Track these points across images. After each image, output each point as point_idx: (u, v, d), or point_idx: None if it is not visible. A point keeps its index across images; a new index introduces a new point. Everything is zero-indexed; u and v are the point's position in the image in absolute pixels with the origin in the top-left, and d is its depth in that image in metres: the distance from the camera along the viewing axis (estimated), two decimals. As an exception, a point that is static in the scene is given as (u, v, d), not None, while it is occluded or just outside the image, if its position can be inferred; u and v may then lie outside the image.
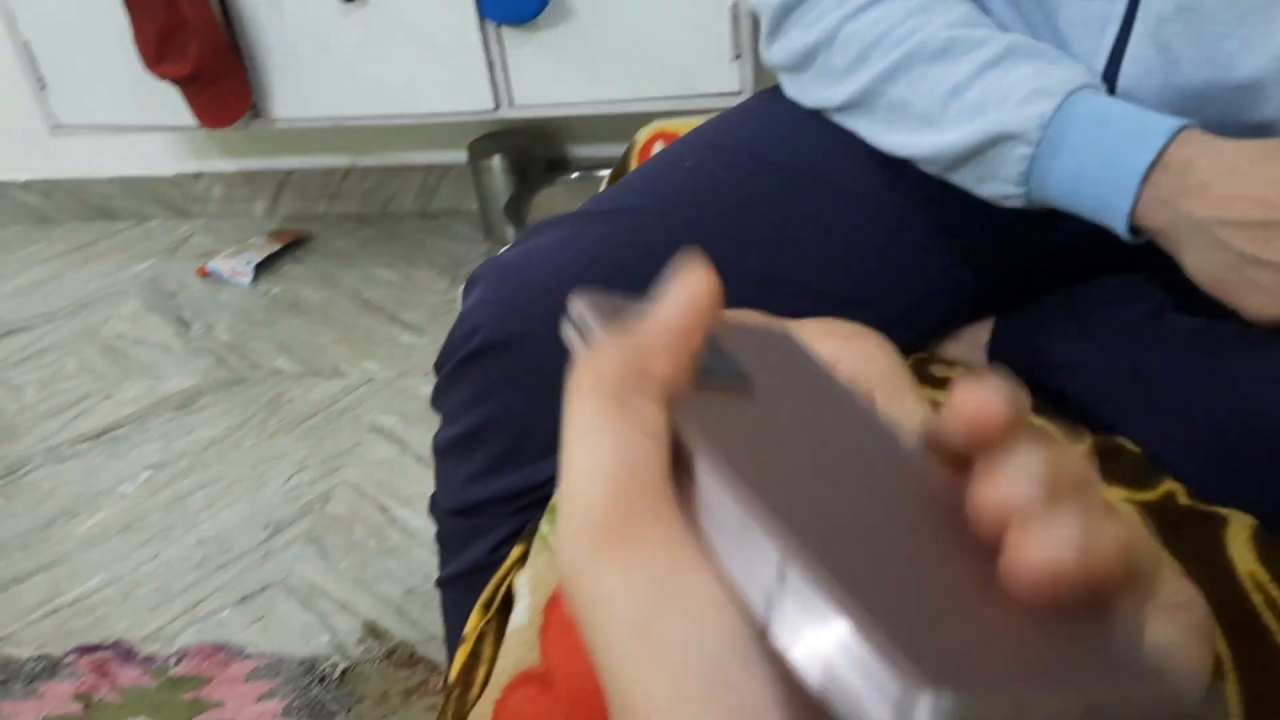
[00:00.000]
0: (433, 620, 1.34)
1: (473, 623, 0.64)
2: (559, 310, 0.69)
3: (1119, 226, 0.63)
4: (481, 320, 0.69)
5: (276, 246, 2.14)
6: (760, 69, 1.69)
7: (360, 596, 1.40)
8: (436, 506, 0.78)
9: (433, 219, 2.23)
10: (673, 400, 0.27)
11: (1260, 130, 0.65)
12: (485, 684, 0.58)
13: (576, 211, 0.76)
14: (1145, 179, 0.61)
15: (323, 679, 1.28)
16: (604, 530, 0.24)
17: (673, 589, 0.23)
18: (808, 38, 0.72)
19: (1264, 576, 0.58)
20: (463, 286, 0.74)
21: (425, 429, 1.65)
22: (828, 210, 0.75)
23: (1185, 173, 0.60)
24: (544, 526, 0.64)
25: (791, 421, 0.29)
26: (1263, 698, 0.52)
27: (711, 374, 0.29)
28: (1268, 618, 0.55)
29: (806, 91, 0.75)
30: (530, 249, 0.72)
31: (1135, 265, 0.72)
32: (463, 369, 0.71)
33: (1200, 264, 0.62)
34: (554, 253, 0.71)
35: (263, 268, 2.10)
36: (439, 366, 0.74)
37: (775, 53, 0.76)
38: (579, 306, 0.32)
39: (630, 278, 0.70)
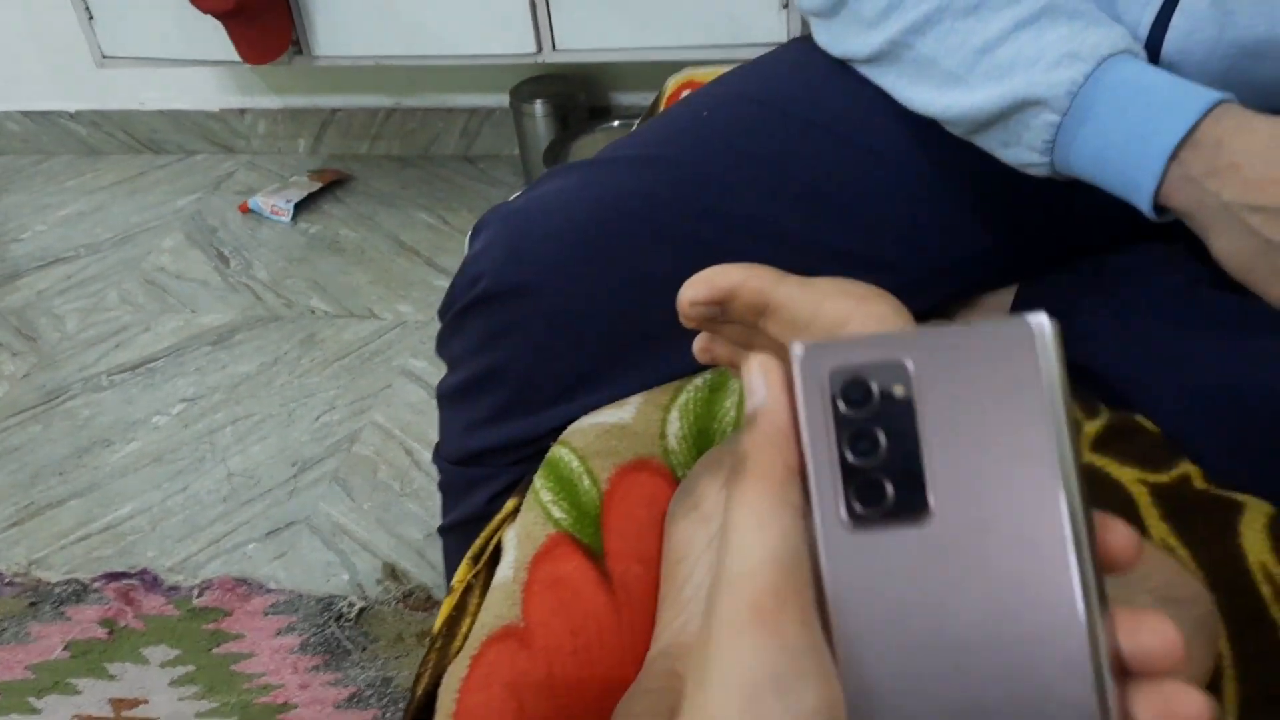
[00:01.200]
0: (451, 564, 1.35)
1: (460, 574, 0.63)
2: (563, 256, 0.68)
3: (1144, 205, 0.60)
4: (486, 267, 0.68)
5: (317, 185, 2.14)
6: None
7: (381, 538, 1.41)
8: (439, 454, 0.78)
9: (473, 163, 2.22)
10: (830, 535, 0.28)
11: None
12: (467, 637, 0.58)
13: (590, 159, 0.74)
14: (1173, 156, 0.57)
15: (340, 618, 1.29)
16: (758, 609, 0.27)
17: (787, 680, 0.27)
18: None
19: (1276, 567, 0.55)
20: (469, 233, 0.73)
21: (454, 374, 1.65)
22: (850, 167, 0.72)
23: (1216, 152, 0.57)
24: (537, 481, 0.63)
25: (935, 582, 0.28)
26: (1261, 693, 0.50)
27: (867, 496, 0.28)
28: (1275, 611, 0.53)
29: (836, 39, 0.72)
30: (539, 196, 0.70)
31: (1170, 236, 0.68)
32: (466, 316, 0.70)
33: (1227, 249, 0.59)
34: (563, 200, 0.69)
35: (303, 206, 2.10)
36: (443, 313, 0.73)
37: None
38: (804, 354, 0.29)
39: (641, 228, 0.69)
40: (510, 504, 0.65)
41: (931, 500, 0.28)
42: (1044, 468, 0.27)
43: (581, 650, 0.54)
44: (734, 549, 0.29)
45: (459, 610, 0.61)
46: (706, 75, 0.98)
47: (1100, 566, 0.27)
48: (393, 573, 1.36)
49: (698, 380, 0.69)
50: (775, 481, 0.29)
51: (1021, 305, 0.76)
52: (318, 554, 1.40)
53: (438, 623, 0.62)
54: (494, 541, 0.63)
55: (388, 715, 1.18)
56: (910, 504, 0.28)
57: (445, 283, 1.86)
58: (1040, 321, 0.28)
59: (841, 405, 0.28)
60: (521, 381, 0.69)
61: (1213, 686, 0.49)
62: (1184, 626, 0.47)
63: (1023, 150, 0.63)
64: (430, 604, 1.31)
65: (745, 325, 0.50)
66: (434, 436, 1.57)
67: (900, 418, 0.28)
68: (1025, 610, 0.27)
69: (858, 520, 0.28)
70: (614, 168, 0.71)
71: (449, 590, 0.65)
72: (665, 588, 0.57)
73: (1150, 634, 0.27)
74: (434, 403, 1.61)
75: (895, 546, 0.28)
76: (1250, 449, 0.61)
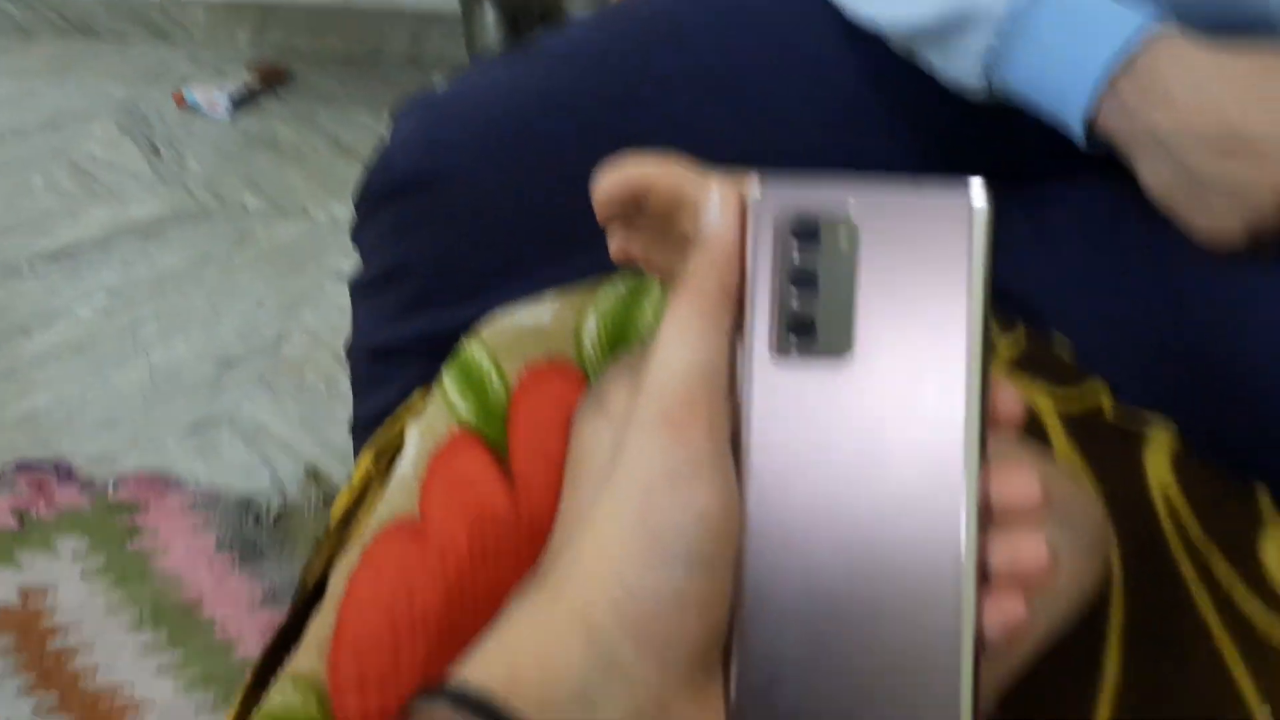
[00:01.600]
0: (375, 470, 1.34)
1: (360, 468, 0.62)
2: (480, 146, 0.66)
3: (1075, 130, 0.59)
4: (401, 155, 0.66)
5: (256, 81, 2.07)
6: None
7: (306, 440, 1.39)
8: (350, 350, 0.76)
9: (420, 67, 2.16)
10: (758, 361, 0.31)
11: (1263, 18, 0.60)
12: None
13: (519, 51, 0.71)
14: (1107, 83, 0.57)
15: (258, 518, 1.28)
16: (670, 414, 0.30)
17: (684, 480, 0.30)
18: None
19: (1176, 493, 0.56)
20: (389, 117, 0.70)
21: (388, 279, 1.62)
22: (786, 72, 0.70)
23: (1150, 79, 0.56)
24: (444, 376, 0.62)
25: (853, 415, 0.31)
26: (1147, 614, 0.50)
27: (801, 331, 0.31)
28: (1170, 535, 0.54)
29: None
30: (462, 85, 0.68)
31: (1102, 166, 0.68)
32: (380, 205, 0.68)
33: (1154, 178, 0.59)
34: (487, 90, 0.67)
35: (241, 102, 2.04)
36: (356, 202, 0.70)
37: None
38: (760, 191, 0.32)
39: (566, 122, 0.66)
40: (417, 399, 0.63)
41: (856, 344, 0.30)
42: (958, 331, 0.30)
43: (478, 545, 0.53)
44: (659, 357, 0.31)
45: (357, 504, 0.60)
46: (651, -24, 0.95)
47: (987, 424, 0.30)
48: (315, 475, 1.35)
49: (619, 285, 0.67)
50: (710, 301, 0.31)
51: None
52: (239, 453, 1.38)
53: (334, 514, 0.61)
54: (396, 435, 0.62)
55: (302, 615, 1.17)
56: (836, 345, 0.30)
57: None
58: (979, 196, 0.31)
59: (789, 244, 0.31)
60: (435, 274, 0.67)
61: (1101, 602, 0.49)
62: (1078, 539, 0.47)
63: (959, 68, 0.62)
64: (351, 508, 1.30)
65: (661, 219, 0.48)
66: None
67: (841, 264, 0.31)
68: (917, 454, 0.30)
69: (786, 352, 0.31)
70: (542, 60, 0.69)
71: (348, 483, 0.64)
72: (567, 486, 0.55)
73: (1016, 482, 0.31)
74: (366, 307, 1.58)
75: (816, 381, 0.30)
76: (1159, 376, 0.61)
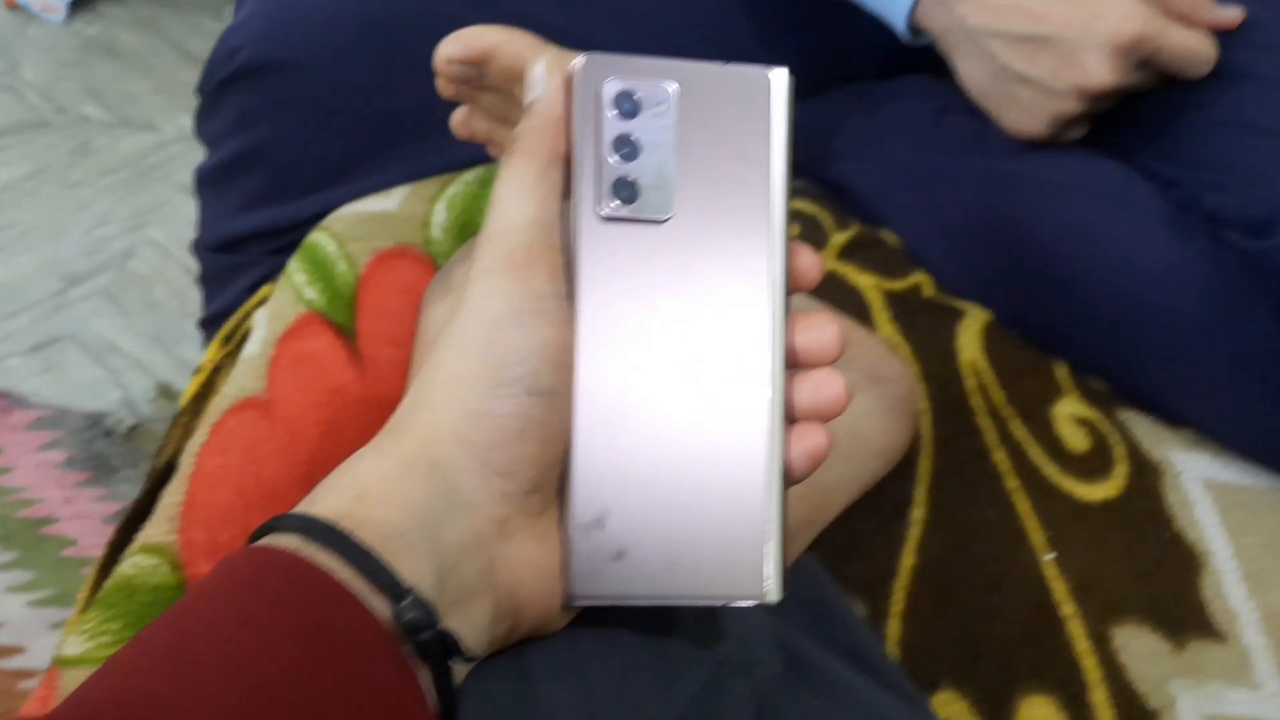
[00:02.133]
0: (231, 384, 1.32)
1: (210, 354, 0.62)
2: (328, 31, 0.65)
3: (898, 25, 0.62)
4: (244, 39, 0.65)
5: (94, -17, 1.96)
6: None
7: (157, 356, 1.36)
8: (198, 244, 0.75)
9: (271, -26, 2.07)
10: (586, 220, 0.33)
11: None
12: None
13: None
14: None
15: (108, 434, 1.25)
16: (511, 259, 0.32)
17: (528, 315, 0.32)
18: None
19: (983, 364, 0.61)
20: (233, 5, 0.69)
21: (241, 193, 1.58)
22: None
23: None
24: (292, 263, 0.62)
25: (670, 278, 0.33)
26: (952, 466, 0.55)
27: (624, 194, 0.33)
28: (975, 401, 0.58)
29: None
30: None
31: (929, 68, 0.71)
32: (223, 92, 0.67)
33: (969, 73, 0.63)
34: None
35: (79, 4, 1.93)
36: (200, 89, 0.69)
37: None
38: (584, 63, 0.34)
39: (414, 10, 0.66)
40: (266, 289, 0.64)
41: (674, 206, 0.33)
42: (762, 193, 0.33)
43: (326, 423, 0.54)
44: (496, 212, 0.33)
45: (207, 389, 0.60)
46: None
47: (789, 281, 0.33)
48: (167, 392, 1.32)
49: (468, 175, 0.68)
50: (541, 162, 0.33)
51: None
52: (86, 371, 1.34)
53: (184, 399, 0.61)
54: (246, 323, 0.62)
55: (157, 527, 1.16)
56: (657, 205, 0.33)
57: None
58: (779, 74, 0.34)
59: (611, 112, 0.33)
60: (282, 163, 0.67)
61: (908, 458, 0.53)
62: (886, 400, 0.52)
63: None
64: (207, 422, 1.28)
65: (503, 94, 0.50)
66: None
67: (659, 132, 0.33)
68: (729, 305, 0.33)
69: (612, 212, 0.33)
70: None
71: (197, 370, 0.64)
72: (415, 365, 0.57)
73: (816, 329, 0.34)
74: (218, 221, 1.54)
75: (639, 238, 0.33)
76: (973, 261, 0.66)
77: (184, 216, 1.54)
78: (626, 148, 0.33)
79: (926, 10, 0.61)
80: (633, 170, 0.33)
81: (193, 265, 1.48)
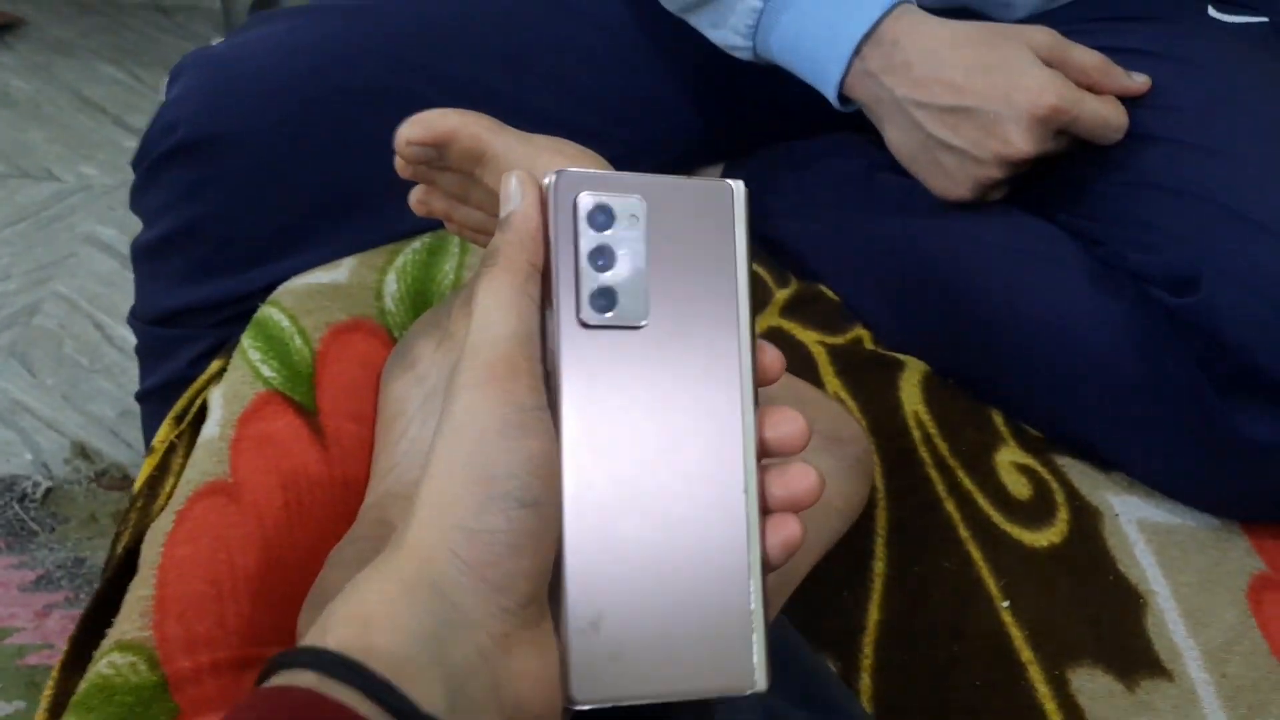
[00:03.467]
0: (150, 442, 1.28)
1: (162, 434, 0.61)
2: (266, 106, 0.65)
3: (830, 94, 0.65)
4: (183, 114, 0.64)
5: (-19, 28, 1.89)
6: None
7: (69, 415, 1.32)
8: (135, 315, 0.74)
9: (167, 14, 2.03)
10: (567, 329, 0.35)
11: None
12: (171, 496, 0.56)
13: (299, 6, 0.71)
14: (857, 51, 0.63)
15: (24, 498, 1.21)
16: (494, 371, 0.33)
17: (515, 429, 0.33)
18: None
19: (926, 416, 0.63)
20: (166, 80, 0.68)
21: (150, 243, 1.54)
22: (568, 35, 0.73)
23: (892, 50, 0.62)
24: (245, 340, 0.62)
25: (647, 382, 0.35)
26: (907, 519, 0.58)
27: (601, 304, 0.34)
28: (922, 451, 0.61)
29: None
30: (243, 42, 0.67)
31: (860, 127, 0.74)
32: (161, 167, 0.66)
33: (897, 140, 0.65)
34: (270, 47, 0.66)
35: (-36, 50, 1.86)
36: (136, 164, 0.68)
37: None
38: (558, 177, 0.35)
39: (352, 80, 0.67)
40: (216, 364, 0.63)
41: (649, 313, 0.34)
42: (729, 296, 0.35)
43: (293, 505, 0.54)
44: (478, 323, 0.34)
45: (161, 470, 0.60)
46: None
47: (758, 377, 0.36)
48: (83, 452, 1.28)
49: (415, 243, 0.69)
50: (520, 275, 0.34)
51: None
52: (-6, 433, 1.29)
53: (138, 482, 0.60)
54: (198, 402, 0.62)
55: (81, 595, 1.12)
56: (633, 312, 0.34)
57: (136, 144, 1.71)
58: (738, 186, 0.36)
59: (587, 226, 0.34)
60: (223, 237, 0.66)
61: (866, 512, 0.56)
62: (845, 461, 0.54)
63: (728, 33, 0.67)
64: (127, 482, 1.25)
65: (462, 174, 0.50)
66: (127, 309, 1.47)
67: (632, 243, 0.35)
68: (703, 407, 0.35)
69: (592, 320, 0.34)
70: (325, 16, 0.68)
71: (149, 451, 0.63)
72: (380, 444, 0.57)
73: (785, 423, 0.36)
74: (127, 274, 1.50)
75: (617, 346, 0.34)
76: (908, 316, 0.69)
77: (91, 269, 1.50)
78: (603, 259, 0.34)
79: (855, 82, 0.64)
80: (609, 280, 0.34)
81: (103, 319, 1.44)
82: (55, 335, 1.41)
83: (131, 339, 1.38)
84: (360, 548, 0.50)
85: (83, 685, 0.46)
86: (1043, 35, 0.63)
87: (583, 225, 0.34)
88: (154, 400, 0.74)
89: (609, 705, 0.34)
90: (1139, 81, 0.63)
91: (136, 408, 1.33)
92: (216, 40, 0.73)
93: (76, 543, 1.17)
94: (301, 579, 0.52)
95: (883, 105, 0.64)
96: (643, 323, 0.34)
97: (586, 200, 0.35)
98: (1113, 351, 0.59)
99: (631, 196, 0.35)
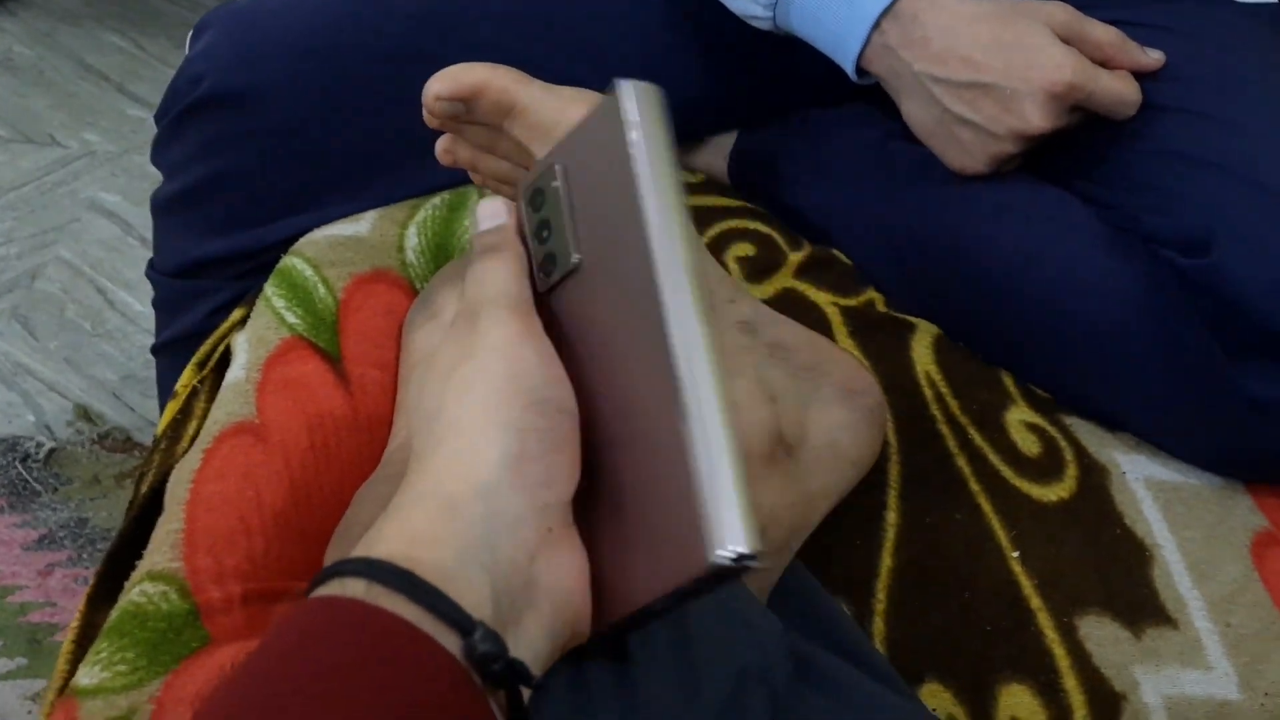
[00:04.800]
0: (151, 408, 1.29)
1: (185, 378, 0.62)
2: (294, 62, 0.66)
3: (847, 67, 0.66)
4: (208, 68, 0.65)
5: (-17, -7, 1.89)
6: None
7: (71, 379, 1.32)
8: (154, 268, 0.74)
9: (170, -17, 2.03)
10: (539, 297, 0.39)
11: None
12: (194, 439, 0.57)
13: (324, -35, 0.71)
14: (876, 25, 0.63)
15: (26, 458, 1.21)
16: (517, 309, 0.38)
17: (540, 344, 0.37)
18: None
19: (937, 376, 0.65)
20: (190, 34, 0.69)
21: (153, 210, 1.54)
22: (597, 12, 0.74)
23: (911, 25, 0.63)
24: (268, 288, 0.62)
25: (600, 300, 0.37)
26: (919, 472, 0.59)
27: (550, 267, 0.38)
28: (934, 409, 0.62)
29: None
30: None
31: (873, 97, 0.75)
32: (186, 120, 0.67)
33: (914, 114, 0.66)
34: (296, 5, 0.67)
35: (-34, 17, 1.86)
36: (159, 117, 0.69)
37: None
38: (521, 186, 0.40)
39: (377, 41, 0.67)
40: (238, 313, 0.64)
41: (583, 260, 0.37)
42: (639, 209, 0.34)
43: (319, 446, 0.55)
44: (488, 279, 0.38)
45: (184, 414, 0.60)
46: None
47: (704, 278, 0.34)
48: (85, 414, 1.28)
49: (435, 199, 0.69)
50: (516, 261, 0.39)
51: (740, 148, 0.81)
52: (-3, 395, 1.29)
53: (161, 425, 0.61)
54: (221, 348, 0.62)
55: (84, 555, 1.13)
56: (568, 266, 0.37)
57: (140, 112, 1.71)
58: (626, 90, 0.35)
59: (528, 209, 0.39)
60: (248, 190, 0.67)
61: (878, 466, 0.57)
62: (858, 411, 0.55)
63: (748, 2, 0.67)
64: (130, 445, 1.25)
65: (489, 127, 0.51)
66: (131, 275, 1.48)
67: (557, 206, 0.37)
68: (639, 313, 0.34)
69: (548, 284, 0.38)
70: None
71: (172, 396, 0.64)
72: (403, 391, 0.58)
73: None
74: (130, 240, 1.50)
75: (569, 296, 0.38)
76: (921, 280, 0.70)
77: (93, 234, 1.50)
78: (545, 230, 0.38)
79: (873, 54, 0.65)
80: (550, 246, 0.38)
81: (105, 284, 1.45)
82: (58, 299, 1.41)
83: (134, 304, 1.40)
84: (390, 485, 0.51)
85: (114, 613, 0.47)
86: (1060, 12, 0.64)
87: (526, 211, 0.39)
88: (171, 352, 0.75)
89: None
90: (1154, 58, 0.64)
91: (139, 372, 1.35)
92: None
93: (79, 503, 1.18)
94: (327, 516, 0.53)
95: (900, 79, 0.65)
96: (572, 263, 0.37)
97: (526, 187, 0.39)
98: (1122, 313, 0.60)
99: (551, 164, 0.38)
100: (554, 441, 0.35)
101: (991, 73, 0.62)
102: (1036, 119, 0.61)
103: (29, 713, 1.02)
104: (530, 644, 0.33)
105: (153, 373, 1.31)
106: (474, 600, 0.31)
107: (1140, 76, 0.64)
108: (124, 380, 1.32)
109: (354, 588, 0.31)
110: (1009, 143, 0.63)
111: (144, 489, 0.56)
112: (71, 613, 0.71)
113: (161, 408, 0.80)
